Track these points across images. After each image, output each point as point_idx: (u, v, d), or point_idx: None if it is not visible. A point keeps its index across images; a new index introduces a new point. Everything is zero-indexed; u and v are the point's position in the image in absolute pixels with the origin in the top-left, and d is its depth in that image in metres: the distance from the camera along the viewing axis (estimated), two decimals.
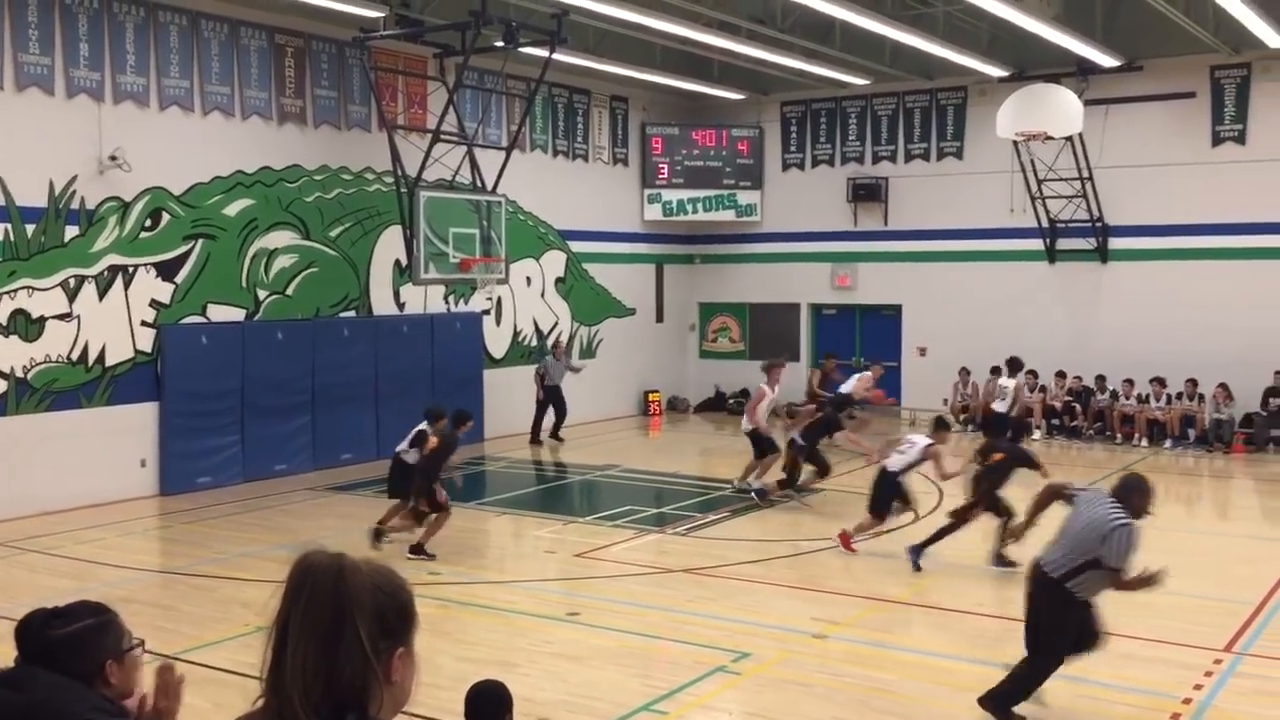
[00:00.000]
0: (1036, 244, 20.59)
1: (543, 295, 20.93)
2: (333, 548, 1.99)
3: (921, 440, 11.60)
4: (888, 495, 11.54)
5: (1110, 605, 7.33)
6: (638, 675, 8.09)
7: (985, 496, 10.97)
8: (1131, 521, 6.80)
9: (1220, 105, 19.17)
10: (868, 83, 20.89)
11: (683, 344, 24.26)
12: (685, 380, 23.92)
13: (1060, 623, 7.01)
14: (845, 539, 11.63)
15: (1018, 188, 20.15)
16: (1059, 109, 18.08)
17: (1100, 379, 19.72)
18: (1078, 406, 19.63)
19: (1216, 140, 19.24)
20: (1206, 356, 18.84)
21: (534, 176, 20.00)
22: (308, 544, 2.02)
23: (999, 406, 16.05)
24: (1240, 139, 19.09)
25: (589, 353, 21.36)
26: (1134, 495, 6.96)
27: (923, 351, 19.78)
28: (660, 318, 23.72)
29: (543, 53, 16.20)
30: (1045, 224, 20.29)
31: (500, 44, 15.62)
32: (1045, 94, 18.29)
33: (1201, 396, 18.93)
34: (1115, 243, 20.02)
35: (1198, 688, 7.83)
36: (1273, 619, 9.48)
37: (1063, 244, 20.42)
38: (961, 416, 20.14)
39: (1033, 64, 18.86)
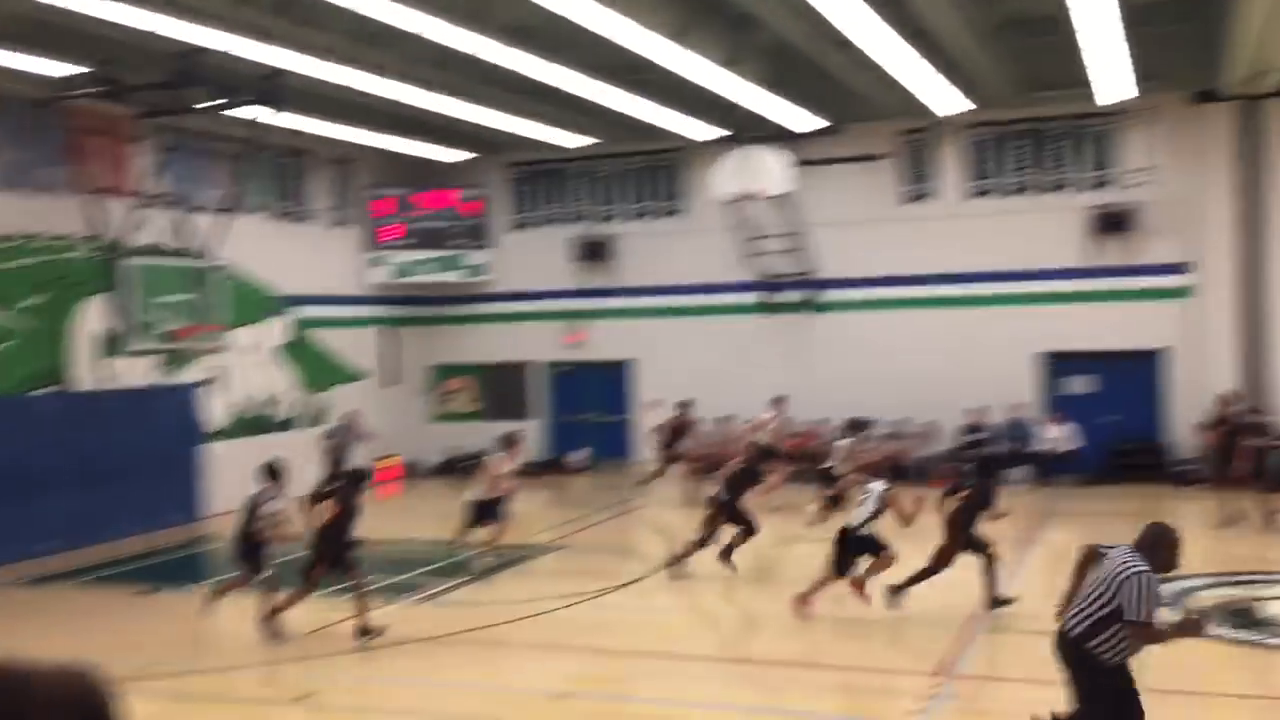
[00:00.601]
0: (754, 297, 21.63)
1: (267, 363, 20.09)
2: (21, 651, 1.81)
3: (878, 487, 11.13)
4: (852, 553, 10.84)
5: (820, 634, 7.62)
6: None
7: (962, 536, 10.73)
8: (1146, 569, 6.06)
9: (909, 166, 20.90)
10: (592, 143, 21.44)
11: (417, 407, 23.85)
12: (420, 444, 23.49)
13: (1093, 689, 6.21)
14: (860, 587, 10.89)
15: (735, 244, 21.13)
16: (770, 169, 19.20)
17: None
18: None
19: (907, 198, 20.94)
20: (908, 399, 20.28)
21: (255, 240, 19.20)
22: None
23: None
24: (926, 196, 20.85)
25: (320, 420, 20.63)
26: (1159, 548, 6.22)
27: (654, 404, 20.23)
28: (392, 381, 23.24)
29: (256, 113, 15.68)
30: (762, 278, 21.38)
31: (208, 104, 15.01)
32: (757, 155, 19.37)
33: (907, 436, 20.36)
34: (825, 295, 21.34)
35: (913, 714, 8.27)
36: (976, 642, 10.19)
37: (779, 297, 21.56)
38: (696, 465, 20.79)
39: (746, 127, 19.90)
